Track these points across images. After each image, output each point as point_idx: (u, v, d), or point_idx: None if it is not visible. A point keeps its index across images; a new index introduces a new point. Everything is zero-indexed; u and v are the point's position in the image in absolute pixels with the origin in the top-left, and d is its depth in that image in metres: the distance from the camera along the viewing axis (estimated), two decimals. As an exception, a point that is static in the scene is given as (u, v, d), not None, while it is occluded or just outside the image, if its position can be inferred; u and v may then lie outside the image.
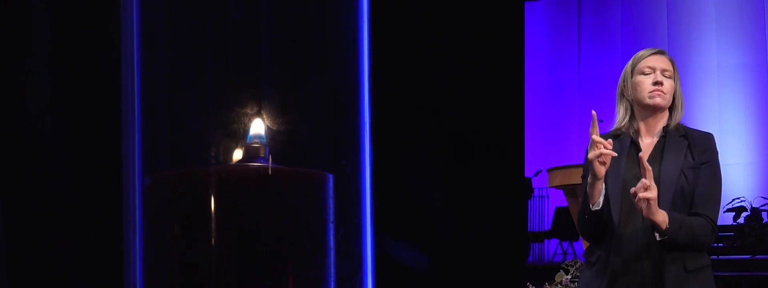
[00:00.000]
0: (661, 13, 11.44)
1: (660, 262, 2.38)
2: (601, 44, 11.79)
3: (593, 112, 2.33)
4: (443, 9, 2.31)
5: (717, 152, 2.49)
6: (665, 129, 2.51)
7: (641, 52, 2.56)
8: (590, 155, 2.32)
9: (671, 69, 2.52)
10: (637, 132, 2.53)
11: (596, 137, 2.32)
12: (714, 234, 2.43)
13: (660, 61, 2.51)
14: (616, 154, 2.33)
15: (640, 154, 2.33)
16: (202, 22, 1.52)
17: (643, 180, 2.25)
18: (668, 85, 2.49)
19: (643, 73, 2.50)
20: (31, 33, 1.99)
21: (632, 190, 2.27)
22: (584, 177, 2.53)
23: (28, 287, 2.00)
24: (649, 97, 2.48)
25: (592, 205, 2.39)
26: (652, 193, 2.24)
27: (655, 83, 2.47)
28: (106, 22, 1.82)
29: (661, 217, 2.29)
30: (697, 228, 2.37)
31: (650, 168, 2.27)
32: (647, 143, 2.51)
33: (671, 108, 2.52)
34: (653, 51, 2.55)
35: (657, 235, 2.32)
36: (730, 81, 10.85)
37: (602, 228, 2.45)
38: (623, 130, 2.53)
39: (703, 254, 2.45)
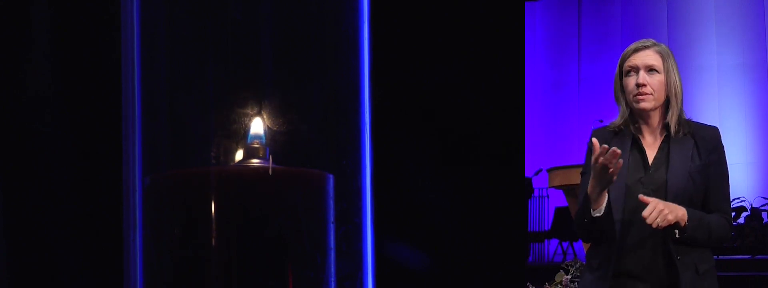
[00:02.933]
0: (661, 12, 11.44)
1: (673, 267, 2.35)
2: (601, 44, 11.78)
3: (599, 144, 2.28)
4: (443, 9, 2.31)
5: (723, 147, 2.44)
6: (668, 127, 2.44)
7: (627, 49, 2.45)
8: (597, 164, 2.22)
9: (658, 62, 2.40)
10: (638, 129, 2.47)
11: (596, 142, 2.25)
12: (731, 229, 2.42)
13: (643, 58, 2.40)
14: (620, 157, 2.23)
15: (640, 196, 2.28)
16: (202, 22, 1.52)
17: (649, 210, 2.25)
18: (655, 82, 2.39)
19: (628, 74, 2.42)
20: (31, 33, 1.99)
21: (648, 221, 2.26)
22: (583, 173, 2.50)
23: (28, 287, 2.00)
24: (634, 102, 2.40)
25: (594, 210, 2.33)
26: (665, 215, 2.25)
27: (638, 85, 2.38)
28: (107, 22, 1.82)
29: (681, 213, 2.27)
30: (715, 225, 2.36)
31: (650, 200, 2.26)
32: (650, 142, 2.46)
33: (667, 101, 2.43)
34: (636, 46, 2.43)
35: (676, 231, 2.30)
36: (730, 81, 10.84)
37: (601, 232, 2.41)
38: (622, 127, 2.48)
39: (710, 256, 2.44)
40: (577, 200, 2.51)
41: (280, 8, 1.53)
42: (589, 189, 2.32)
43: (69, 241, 2.00)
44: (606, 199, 2.32)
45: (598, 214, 2.32)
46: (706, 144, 2.42)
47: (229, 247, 1.40)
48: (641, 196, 2.26)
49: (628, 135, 2.45)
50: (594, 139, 2.25)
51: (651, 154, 2.44)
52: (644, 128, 2.46)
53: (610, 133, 2.47)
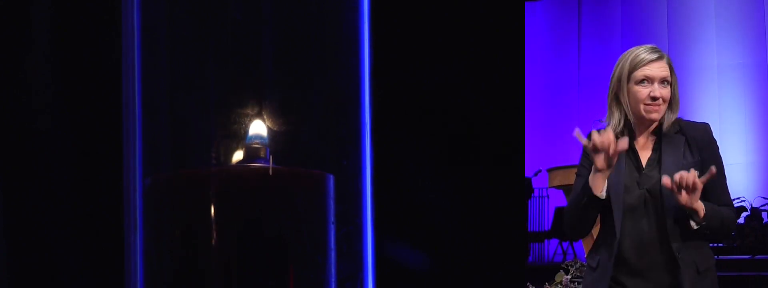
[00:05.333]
0: (661, 12, 11.44)
1: (675, 266, 2.36)
2: (601, 44, 11.78)
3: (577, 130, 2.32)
4: (443, 9, 2.31)
5: (716, 142, 2.46)
6: (660, 127, 2.46)
7: (639, 56, 2.44)
8: (592, 144, 2.29)
9: (669, 74, 2.42)
10: (632, 134, 2.48)
11: (595, 136, 2.30)
12: (737, 221, 2.46)
13: (658, 70, 2.41)
14: (622, 145, 2.27)
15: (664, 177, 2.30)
16: (202, 23, 1.52)
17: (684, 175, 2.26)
18: (666, 94, 2.41)
19: (640, 82, 2.41)
20: (32, 33, 1.99)
21: (676, 178, 2.26)
22: (578, 175, 2.52)
23: (28, 287, 2.00)
24: (646, 112, 2.41)
25: (597, 192, 2.35)
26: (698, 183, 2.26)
27: (653, 99, 2.39)
28: (107, 22, 1.82)
29: (699, 205, 2.30)
30: (726, 215, 2.40)
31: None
32: (642, 144, 2.48)
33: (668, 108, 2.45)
34: (652, 57, 2.43)
35: (693, 222, 2.32)
36: (730, 81, 10.84)
37: (592, 221, 2.44)
38: (618, 135, 2.48)
39: (710, 255, 2.45)
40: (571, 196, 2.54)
41: (280, 8, 1.53)
42: (590, 176, 2.36)
43: (69, 241, 1.99)
44: (606, 184, 2.36)
45: (600, 196, 2.36)
46: (698, 141, 2.44)
47: (229, 248, 1.40)
48: (665, 179, 2.29)
49: (623, 137, 2.46)
50: (593, 133, 2.31)
51: (644, 156, 2.46)
52: (637, 132, 2.48)
53: None
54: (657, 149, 2.45)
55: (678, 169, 2.38)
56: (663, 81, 2.42)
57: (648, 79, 2.42)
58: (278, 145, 1.48)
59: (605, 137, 2.28)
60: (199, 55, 1.52)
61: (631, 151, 2.46)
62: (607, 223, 2.44)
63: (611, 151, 2.28)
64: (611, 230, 2.41)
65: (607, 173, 2.34)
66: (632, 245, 2.40)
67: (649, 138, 2.48)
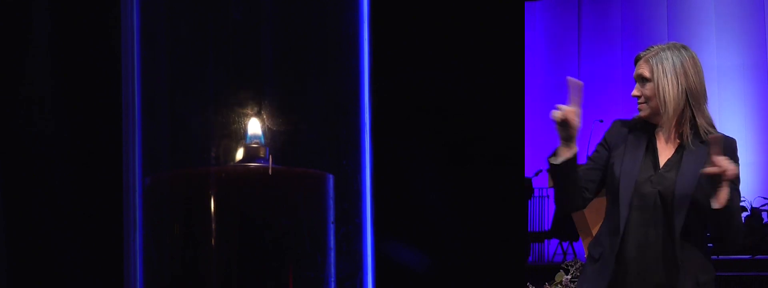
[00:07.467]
0: (661, 13, 11.44)
1: (675, 274, 2.34)
2: (601, 44, 11.78)
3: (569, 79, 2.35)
4: (443, 9, 2.31)
5: (738, 160, 2.42)
6: (684, 132, 2.42)
7: None
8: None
9: (647, 71, 2.42)
10: (655, 128, 2.46)
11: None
12: (743, 235, 2.43)
13: (638, 68, 2.45)
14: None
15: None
16: (202, 22, 1.52)
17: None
18: (646, 91, 2.41)
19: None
20: (32, 33, 2.00)
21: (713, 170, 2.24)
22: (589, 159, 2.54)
23: (28, 287, 2.00)
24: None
25: (556, 157, 2.37)
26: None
27: (634, 97, 2.46)
28: (107, 22, 1.82)
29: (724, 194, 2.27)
30: (737, 220, 2.37)
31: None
32: (665, 145, 2.43)
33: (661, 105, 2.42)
34: (638, 58, 2.48)
35: (716, 202, 2.26)
36: (730, 81, 10.83)
37: (570, 191, 2.41)
38: (642, 124, 2.47)
39: (711, 267, 2.42)
40: None
41: (280, 8, 1.53)
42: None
43: (69, 241, 2.00)
44: (571, 153, 2.37)
45: (554, 162, 2.37)
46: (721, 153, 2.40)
47: (229, 248, 1.40)
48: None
49: (645, 132, 2.45)
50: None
51: (664, 156, 2.43)
52: (660, 134, 2.45)
53: (628, 127, 2.49)
54: (680, 152, 2.42)
55: (696, 177, 2.35)
56: (642, 79, 2.44)
57: (635, 80, 2.46)
58: (278, 145, 1.48)
59: (567, 110, 2.36)
60: (199, 55, 1.52)
61: (651, 148, 2.44)
62: (612, 216, 2.41)
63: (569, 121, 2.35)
64: (616, 224, 2.39)
65: (571, 148, 2.37)
66: (635, 244, 2.38)
67: (675, 139, 2.44)
